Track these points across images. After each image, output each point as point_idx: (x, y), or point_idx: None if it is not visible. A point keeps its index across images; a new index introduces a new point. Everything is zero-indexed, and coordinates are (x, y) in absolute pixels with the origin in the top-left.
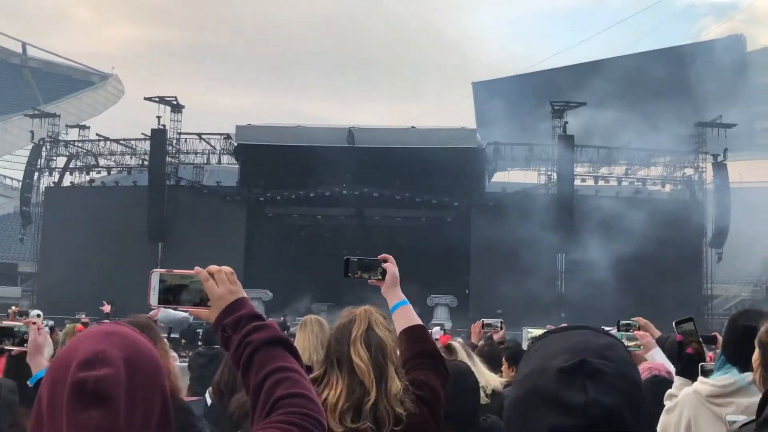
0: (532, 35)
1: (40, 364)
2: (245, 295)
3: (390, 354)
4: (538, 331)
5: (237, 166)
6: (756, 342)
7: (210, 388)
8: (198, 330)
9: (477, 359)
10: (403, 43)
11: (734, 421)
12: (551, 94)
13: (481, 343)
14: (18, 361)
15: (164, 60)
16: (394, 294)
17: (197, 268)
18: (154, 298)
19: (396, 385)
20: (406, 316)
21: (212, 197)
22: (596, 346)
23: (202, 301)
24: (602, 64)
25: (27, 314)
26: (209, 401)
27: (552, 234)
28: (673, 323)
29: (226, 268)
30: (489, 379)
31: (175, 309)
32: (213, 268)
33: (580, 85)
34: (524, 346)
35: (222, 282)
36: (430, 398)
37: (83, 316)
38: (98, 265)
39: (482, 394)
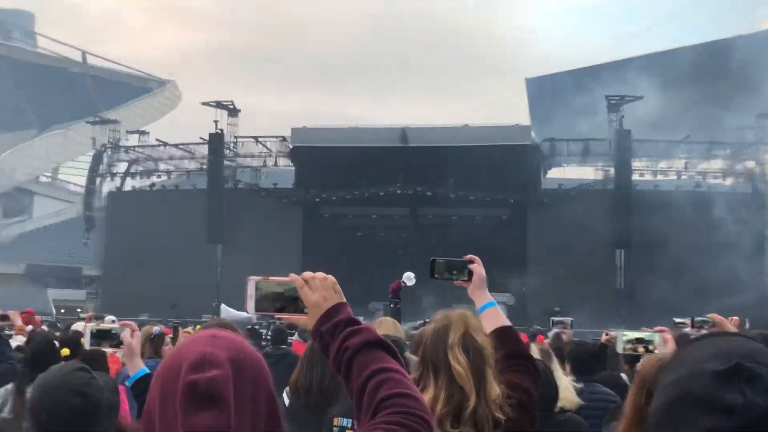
0: (585, 29)
1: (136, 365)
2: (342, 300)
3: (488, 358)
4: (634, 334)
5: (293, 167)
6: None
7: (287, 387)
8: (261, 330)
9: (556, 362)
10: (455, 42)
11: None
12: (607, 88)
13: (547, 341)
14: (90, 361)
15: (220, 65)
16: (481, 295)
17: (292, 275)
18: (251, 306)
19: (495, 390)
20: (495, 318)
21: (269, 199)
22: (748, 350)
23: (299, 308)
24: (659, 57)
25: (102, 318)
26: (287, 401)
27: (610, 230)
28: None
29: (321, 274)
30: (565, 386)
31: (271, 316)
32: (307, 274)
33: (636, 78)
34: (619, 349)
35: (316, 289)
36: (526, 401)
37: (153, 324)
38: (160, 268)
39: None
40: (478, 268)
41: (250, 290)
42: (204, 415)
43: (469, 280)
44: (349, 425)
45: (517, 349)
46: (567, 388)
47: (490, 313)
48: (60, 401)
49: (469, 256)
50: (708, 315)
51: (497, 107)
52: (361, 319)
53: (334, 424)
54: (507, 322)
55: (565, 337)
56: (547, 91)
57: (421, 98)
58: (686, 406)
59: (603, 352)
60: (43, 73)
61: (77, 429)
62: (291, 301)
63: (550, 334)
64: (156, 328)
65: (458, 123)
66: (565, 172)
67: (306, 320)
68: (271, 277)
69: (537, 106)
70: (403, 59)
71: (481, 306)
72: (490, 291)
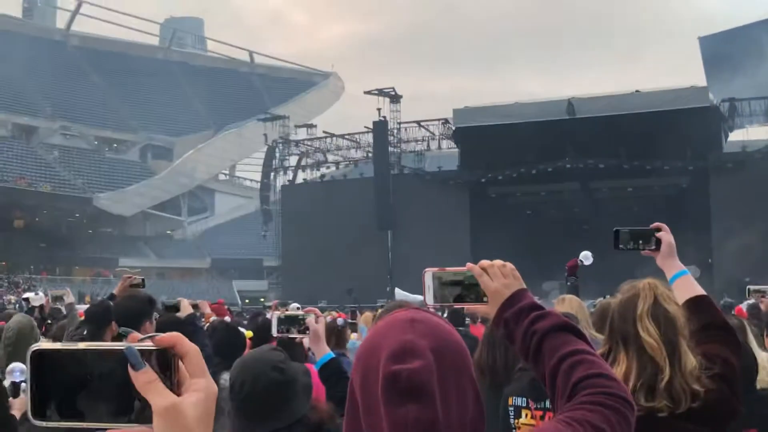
0: None
1: (322, 349)
2: (523, 286)
3: (681, 328)
4: None
5: (457, 149)
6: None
7: None
8: (437, 313)
9: (752, 337)
10: (621, 6)
11: None
12: None
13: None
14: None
15: (379, 53)
16: (672, 264)
17: (469, 264)
18: (429, 297)
19: (690, 360)
20: (688, 287)
21: (435, 183)
22: None
23: (478, 297)
24: None
25: (286, 305)
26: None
27: None
28: None
29: (499, 262)
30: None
31: (450, 307)
32: (485, 263)
33: None
34: None
35: (496, 276)
36: (726, 372)
37: (331, 311)
38: (334, 255)
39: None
40: (666, 236)
41: (428, 282)
42: (408, 408)
43: (657, 249)
44: (524, 404)
45: (714, 320)
46: (762, 365)
47: (683, 283)
48: (260, 375)
49: (656, 224)
50: None
51: (670, 70)
52: (536, 299)
53: (509, 403)
54: (702, 291)
55: (763, 307)
56: (723, 48)
57: (588, 67)
58: None
59: None
60: (215, 76)
61: (276, 402)
62: (469, 290)
63: (745, 304)
64: (340, 320)
65: (628, 90)
66: (748, 134)
67: (487, 308)
68: (447, 268)
69: (713, 66)
70: (567, 28)
71: (672, 275)
72: None
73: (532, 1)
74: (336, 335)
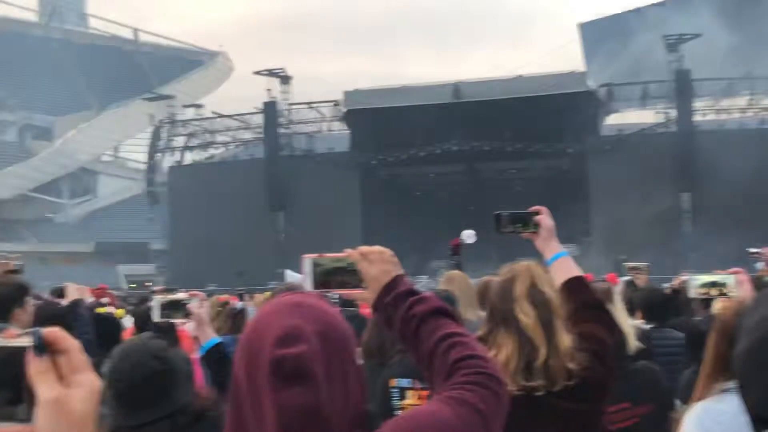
0: None
1: (207, 335)
2: (401, 271)
3: (556, 309)
4: (706, 278)
5: (347, 131)
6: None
7: (359, 348)
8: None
9: (618, 305)
10: None
11: None
12: (663, 28)
13: (620, 287)
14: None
15: (268, 33)
16: (550, 246)
17: (348, 250)
18: (309, 283)
19: (565, 340)
20: (565, 268)
21: (326, 164)
22: None
23: (358, 282)
24: None
25: (172, 291)
26: (360, 362)
27: (675, 173)
28: None
29: (377, 248)
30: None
31: (330, 292)
32: (364, 248)
33: (693, 15)
34: (691, 294)
35: (374, 262)
36: (600, 351)
37: (220, 295)
38: (224, 238)
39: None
40: (545, 219)
41: (307, 268)
42: (294, 392)
43: (537, 231)
44: (409, 385)
45: (589, 300)
46: (626, 332)
47: (560, 264)
48: (138, 365)
49: (535, 207)
50: None
51: (552, 55)
52: (424, 277)
53: (392, 385)
54: (578, 272)
55: (640, 282)
56: (602, 35)
57: (474, 52)
58: None
59: (674, 298)
60: (98, 53)
61: (156, 391)
62: (349, 276)
63: (621, 281)
64: (239, 304)
65: (512, 75)
66: (625, 118)
67: (366, 294)
68: (326, 254)
69: (592, 52)
70: (454, 14)
71: (550, 257)
72: None
73: None
74: (234, 319)
